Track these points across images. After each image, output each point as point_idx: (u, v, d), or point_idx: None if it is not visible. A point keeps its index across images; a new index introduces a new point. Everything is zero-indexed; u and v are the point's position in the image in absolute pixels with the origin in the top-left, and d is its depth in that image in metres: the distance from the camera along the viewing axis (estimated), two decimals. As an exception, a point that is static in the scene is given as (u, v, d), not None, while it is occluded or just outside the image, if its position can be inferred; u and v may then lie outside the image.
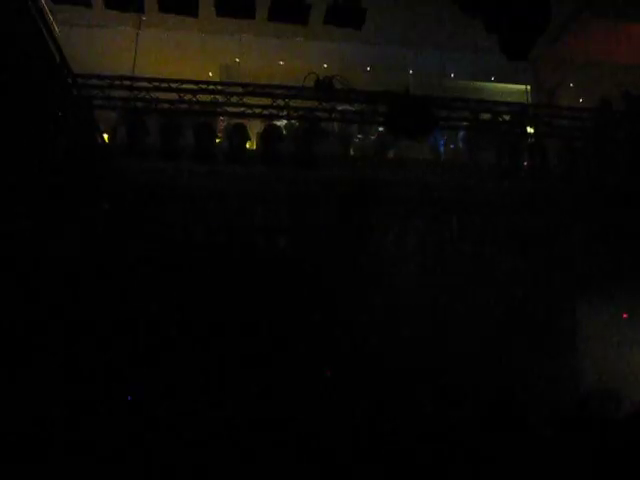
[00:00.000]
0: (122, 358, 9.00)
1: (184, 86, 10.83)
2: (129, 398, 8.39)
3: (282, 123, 12.43)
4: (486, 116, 11.74)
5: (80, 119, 10.87)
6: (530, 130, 12.22)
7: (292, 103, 11.04)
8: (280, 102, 11.00)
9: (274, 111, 11.07)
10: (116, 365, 8.79)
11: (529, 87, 15.40)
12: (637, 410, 9.45)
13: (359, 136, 14.15)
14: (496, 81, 15.71)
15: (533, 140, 11.75)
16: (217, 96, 11.24)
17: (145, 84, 10.73)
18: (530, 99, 14.88)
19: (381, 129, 13.58)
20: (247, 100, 11.05)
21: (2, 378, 6.99)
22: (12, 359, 7.35)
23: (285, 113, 11.14)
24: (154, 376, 8.99)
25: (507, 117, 11.68)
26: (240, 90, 11.05)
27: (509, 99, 13.31)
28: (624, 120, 11.91)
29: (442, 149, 14.23)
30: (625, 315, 14.10)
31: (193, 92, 10.85)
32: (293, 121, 12.07)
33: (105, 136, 12.93)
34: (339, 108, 11.46)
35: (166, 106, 10.83)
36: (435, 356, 12.48)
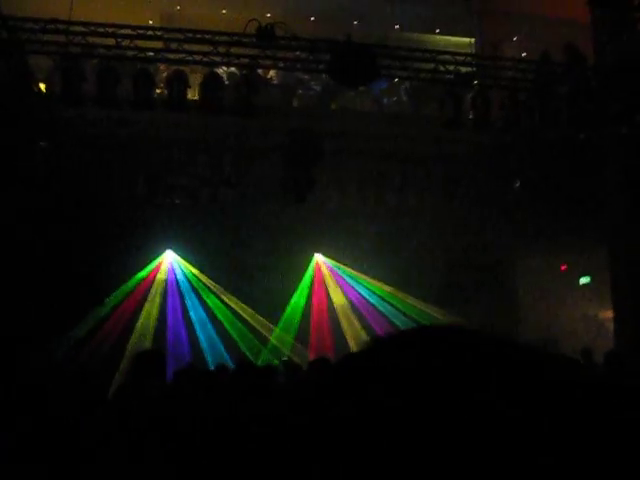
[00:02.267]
0: None
1: (122, 31, 10.49)
2: None
3: (224, 72, 12.21)
4: (430, 67, 11.69)
5: (12, 65, 10.49)
6: (474, 81, 12.21)
7: (233, 51, 10.81)
8: (221, 49, 10.75)
9: (215, 58, 10.82)
10: None
11: (473, 40, 15.40)
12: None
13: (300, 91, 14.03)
14: (441, 33, 15.68)
15: (477, 91, 11.72)
16: (156, 43, 10.94)
17: (81, 29, 10.36)
18: (474, 52, 14.87)
19: (324, 80, 13.45)
20: (187, 47, 10.77)
21: None
22: None
23: (226, 60, 10.90)
24: None
25: (451, 68, 11.63)
26: (180, 37, 10.76)
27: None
28: (565, 73, 11.98)
29: (385, 100, 14.18)
30: (563, 267, 14.38)
31: (131, 38, 10.52)
32: (234, 69, 11.84)
33: (42, 86, 12.56)
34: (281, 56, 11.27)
35: (104, 52, 10.49)
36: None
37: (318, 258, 15.07)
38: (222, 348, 13.63)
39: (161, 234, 13.79)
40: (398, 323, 14.16)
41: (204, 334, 14.05)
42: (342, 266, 14.99)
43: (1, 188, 10.32)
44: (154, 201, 13.52)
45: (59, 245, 12.05)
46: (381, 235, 13.51)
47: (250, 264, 13.76)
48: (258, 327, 14.19)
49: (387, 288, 14.65)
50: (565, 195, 12.66)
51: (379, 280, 14.67)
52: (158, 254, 14.49)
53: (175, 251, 14.58)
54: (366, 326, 14.43)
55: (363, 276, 14.88)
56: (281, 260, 13.84)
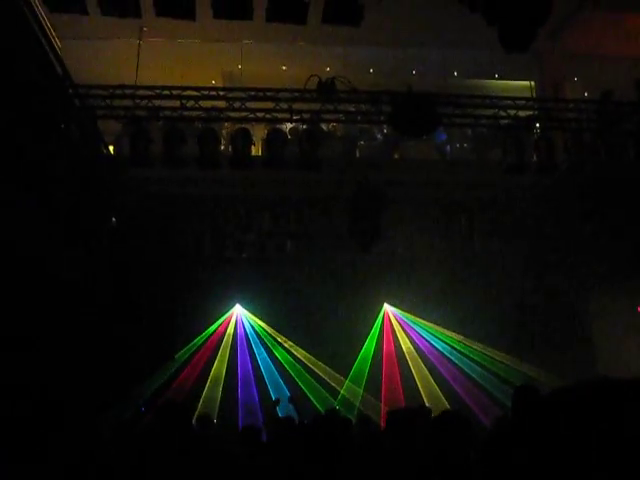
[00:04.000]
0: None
1: (186, 93, 10.76)
2: None
3: (286, 127, 12.39)
4: (491, 113, 11.63)
5: (84, 130, 10.87)
6: (536, 124, 12.09)
7: (295, 106, 10.97)
8: (283, 105, 10.93)
9: (277, 115, 10.99)
10: None
11: (533, 83, 15.30)
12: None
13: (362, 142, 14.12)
14: (500, 78, 15.63)
15: (539, 134, 11.59)
16: (220, 102, 11.16)
17: (147, 92, 10.67)
18: (535, 95, 14.76)
19: (386, 131, 13.55)
20: (250, 105, 10.97)
21: None
22: None
23: (288, 116, 11.05)
24: None
25: (512, 113, 11.55)
26: (243, 95, 10.98)
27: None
28: (632, 110, 11.75)
29: (448, 148, 14.15)
30: (639, 308, 13.98)
31: (195, 99, 10.78)
32: (297, 124, 12.00)
33: (111, 148, 12.94)
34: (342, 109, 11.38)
35: (169, 114, 10.75)
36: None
37: (387, 308, 14.97)
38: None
39: (229, 289, 13.93)
40: (472, 373, 13.95)
41: (274, 388, 14.02)
42: (411, 315, 14.85)
43: (75, 248, 10.59)
44: (221, 256, 13.68)
45: (131, 302, 12.27)
46: (449, 282, 13.37)
47: (318, 316, 13.76)
48: (328, 379, 14.12)
49: (457, 336, 14.43)
50: (635, 235, 12.36)
51: (449, 329, 14.47)
52: (227, 308, 14.62)
53: (243, 305, 14.70)
54: (437, 376, 14.22)
55: (432, 325, 14.70)
56: (349, 311, 13.81)
